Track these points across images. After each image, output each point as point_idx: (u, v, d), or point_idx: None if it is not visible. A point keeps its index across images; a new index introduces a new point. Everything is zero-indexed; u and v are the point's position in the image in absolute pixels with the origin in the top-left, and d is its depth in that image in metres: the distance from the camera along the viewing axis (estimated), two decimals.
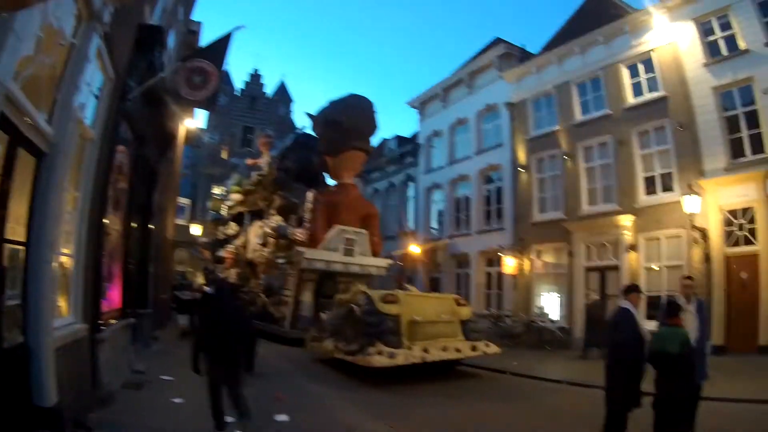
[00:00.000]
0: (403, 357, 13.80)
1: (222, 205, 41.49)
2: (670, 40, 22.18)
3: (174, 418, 9.31)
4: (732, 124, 19.93)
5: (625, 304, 8.31)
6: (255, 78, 68.61)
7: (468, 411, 11.23)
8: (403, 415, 10.69)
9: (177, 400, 10.66)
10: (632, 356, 7.77)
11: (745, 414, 10.26)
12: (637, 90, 23.81)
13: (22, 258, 6.58)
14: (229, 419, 8.46)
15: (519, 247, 27.33)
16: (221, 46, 13.28)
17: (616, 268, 22.88)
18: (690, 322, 8.48)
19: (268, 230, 29.35)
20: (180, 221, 40.21)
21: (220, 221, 40.39)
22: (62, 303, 8.25)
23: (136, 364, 13.16)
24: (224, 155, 61.47)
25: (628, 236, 22.49)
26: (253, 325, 12.17)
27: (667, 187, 21.85)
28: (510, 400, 12.78)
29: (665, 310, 8.29)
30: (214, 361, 8.33)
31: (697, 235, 19.68)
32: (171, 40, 16.05)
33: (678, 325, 7.71)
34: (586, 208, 24.97)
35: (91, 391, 9.03)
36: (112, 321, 11.91)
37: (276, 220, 30.26)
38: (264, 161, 33.62)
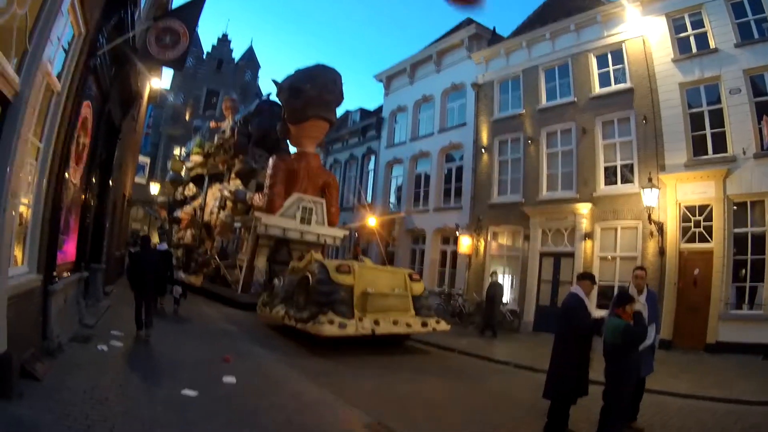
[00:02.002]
0: (353, 328, 13.93)
1: (182, 166, 41.30)
2: (640, 34, 22.25)
3: (115, 369, 9.40)
4: (696, 121, 20.11)
5: (575, 289, 8.36)
6: (223, 41, 68.02)
7: (413, 386, 11.34)
8: (348, 384, 10.79)
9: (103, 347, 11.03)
10: (579, 342, 7.91)
11: (684, 408, 10.47)
12: (605, 80, 23.87)
13: None
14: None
15: (475, 228, 27.41)
16: (194, 7, 13.16)
17: (571, 255, 23.04)
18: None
19: (227, 194, 29.40)
20: (139, 179, 39.86)
21: (179, 182, 40.22)
22: (18, 252, 8.24)
23: (86, 318, 13.18)
24: (187, 117, 60.93)
25: (584, 224, 22.67)
26: (163, 269, 16.96)
27: (626, 179, 22.02)
28: (456, 378, 12.91)
29: (614, 299, 8.37)
30: (138, 289, 13.78)
31: (653, 228, 19.91)
32: None
33: (619, 316, 7.75)
34: (545, 193, 25.06)
35: (40, 341, 9.07)
36: (66, 274, 11.91)
37: (235, 184, 30.35)
38: (227, 125, 33.55)
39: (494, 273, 23.68)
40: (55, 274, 9.95)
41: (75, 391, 7.61)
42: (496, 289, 22.16)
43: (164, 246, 20.90)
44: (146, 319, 13.44)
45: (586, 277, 8.63)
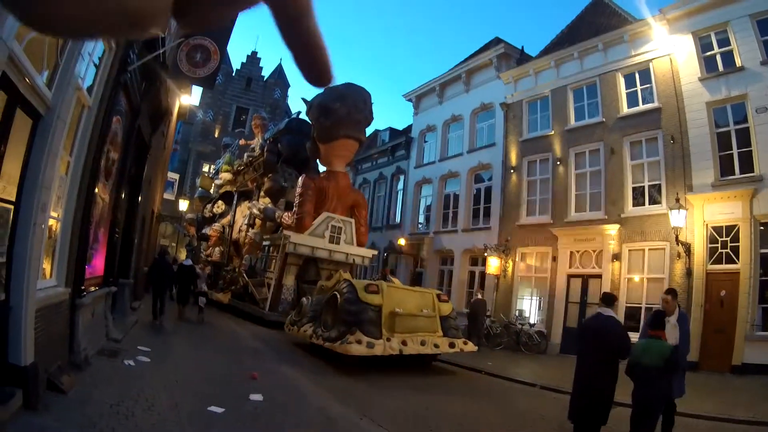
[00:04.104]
0: (381, 348, 13.82)
1: (211, 183, 41.53)
2: (667, 52, 22.16)
3: (142, 384, 9.36)
4: (723, 141, 19.94)
5: (610, 312, 8.14)
6: (252, 59, 68.17)
7: (439, 405, 11.26)
8: (375, 403, 10.68)
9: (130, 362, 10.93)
10: (612, 364, 7.74)
11: (711, 430, 10.37)
12: (632, 99, 23.76)
13: (10, 217, 6.60)
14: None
15: (504, 248, 27.25)
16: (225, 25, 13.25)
17: (598, 276, 22.83)
18: (671, 334, 8.48)
19: (256, 212, 29.45)
20: (167, 196, 40.09)
21: (208, 199, 40.44)
22: (46, 265, 8.29)
23: (113, 333, 13.20)
24: (216, 134, 61.17)
25: (612, 245, 22.46)
26: (186, 282, 21.40)
27: (654, 199, 21.83)
28: (482, 398, 12.76)
29: (650, 320, 8.22)
30: (156, 290, 18.95)
31: (681, 249, 19.68)
32: None
33: (660, 338, 7.64)
34: (573, 214, 24.92)
35: (67, 354, 9.08)
36: (94, 288, 11.95)
37: (264, 202, 30.37)
38: (256, 143, 33.68)
39: (479, 291, 24.56)
40: (83, 288, 10.01)
41: (101, 405, 7.60)
42: (478, 305, 22.74)
43: (189, 262, 21.74)
44: (160, 309, 18.87)
45: (615, 299, 8.53)
